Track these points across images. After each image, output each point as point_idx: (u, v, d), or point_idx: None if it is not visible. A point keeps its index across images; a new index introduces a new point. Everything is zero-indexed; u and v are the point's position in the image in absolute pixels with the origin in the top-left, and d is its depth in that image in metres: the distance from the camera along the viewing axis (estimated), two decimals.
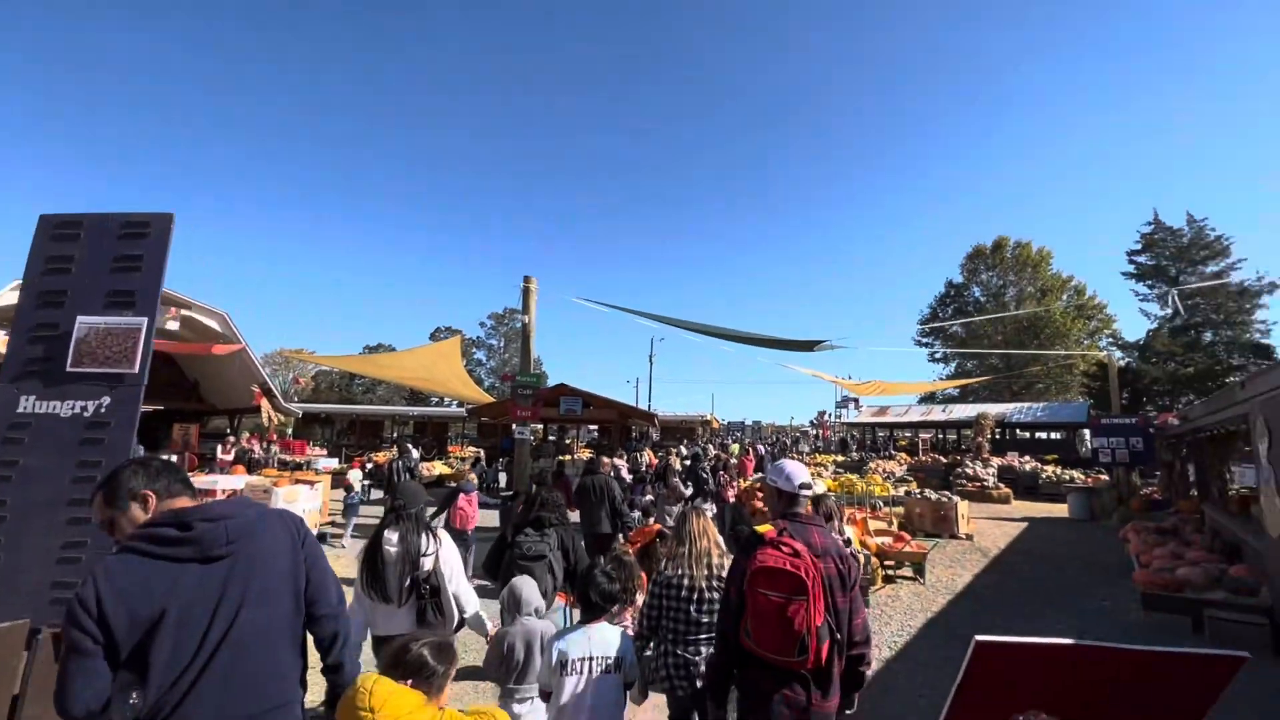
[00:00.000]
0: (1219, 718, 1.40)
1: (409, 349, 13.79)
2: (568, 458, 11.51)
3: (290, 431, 31.75)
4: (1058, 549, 10.36)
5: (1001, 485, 17.30)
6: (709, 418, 32.03)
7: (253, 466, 16.35)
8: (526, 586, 3.16)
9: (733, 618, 2.33)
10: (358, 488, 10.18)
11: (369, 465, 14.65)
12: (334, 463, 22.62)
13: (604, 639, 2.64)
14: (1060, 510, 14.94)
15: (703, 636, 2.77)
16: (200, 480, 9.70)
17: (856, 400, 38.64)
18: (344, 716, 1.71)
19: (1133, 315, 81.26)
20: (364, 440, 29.32)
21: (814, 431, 48.66)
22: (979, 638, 1.38)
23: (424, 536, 3.12)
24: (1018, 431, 27.34)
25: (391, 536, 3.09)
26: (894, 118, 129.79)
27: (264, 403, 19.17)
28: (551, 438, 24.45)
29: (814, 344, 9.60)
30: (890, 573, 7.82)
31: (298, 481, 9.81)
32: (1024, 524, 12.96)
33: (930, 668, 5.10)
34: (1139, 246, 31.08)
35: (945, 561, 8.94)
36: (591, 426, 30.59)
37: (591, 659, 2.57)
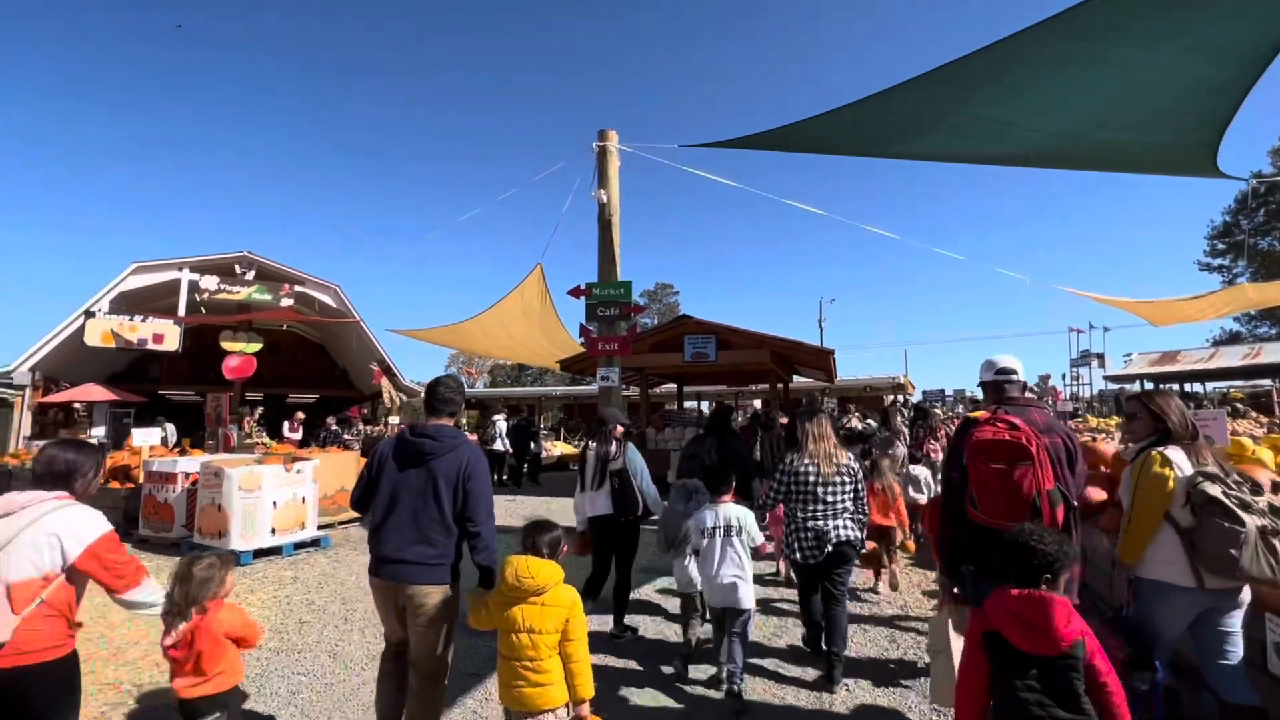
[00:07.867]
0: None
1: (490, 307, 10.19)
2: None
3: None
4: None
5: None
6: (902, 379, 25.03)
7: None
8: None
9: (956, 496, 2.60)
10: None
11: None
12: None
13: (726, 512, 3.58)
14: None
15: (826, 510, 3.47)
16: (161, 459, 7.27)
17: (1100, 356, 29.63)
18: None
19: None
20: None
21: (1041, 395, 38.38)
22: None
23: (612, 444, 4.30)
24: None
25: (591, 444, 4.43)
26: None
27: (384, 382, 18.31)
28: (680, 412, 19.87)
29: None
30: None
31: (263, 462, 6.75)
32: None
33: None
34: None
35: None
36: (755, 399, 24.43)
37: (719, 526, 3.52)
